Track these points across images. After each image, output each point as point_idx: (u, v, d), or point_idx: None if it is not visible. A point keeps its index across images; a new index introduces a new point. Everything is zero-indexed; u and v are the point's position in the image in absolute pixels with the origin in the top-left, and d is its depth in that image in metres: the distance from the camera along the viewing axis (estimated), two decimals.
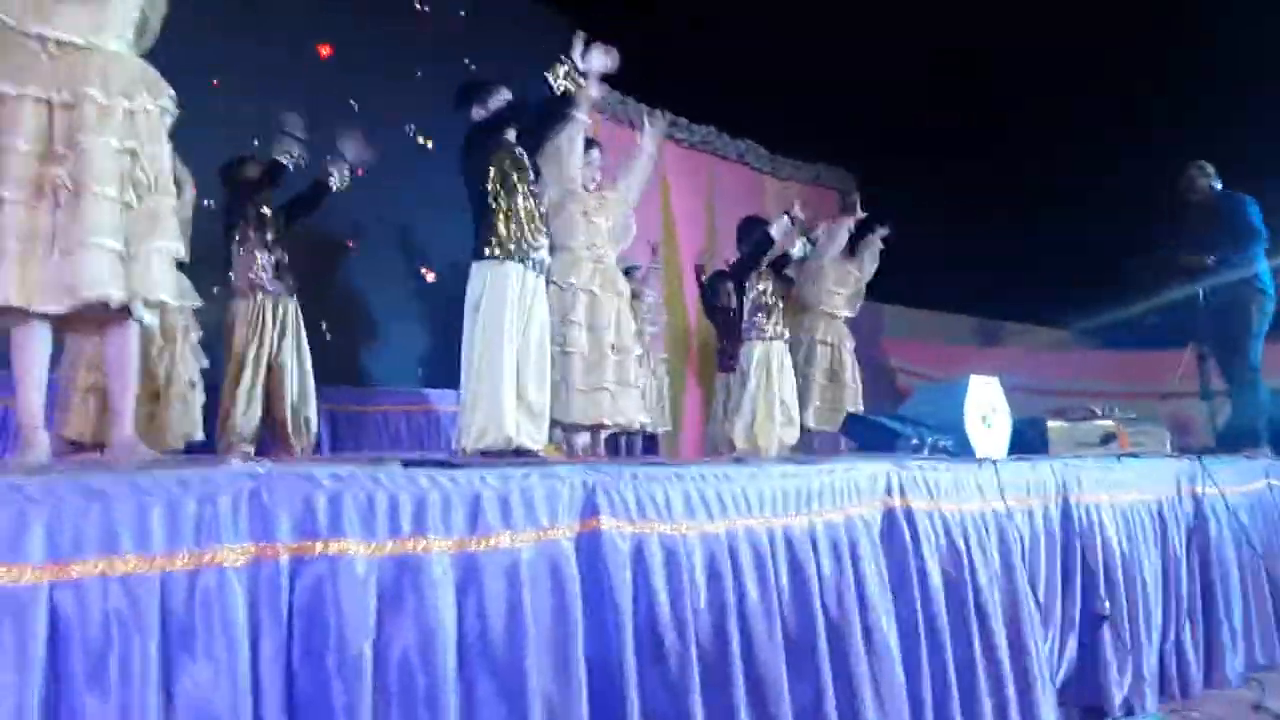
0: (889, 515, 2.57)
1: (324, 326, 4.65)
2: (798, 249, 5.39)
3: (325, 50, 5.62)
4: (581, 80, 3.57)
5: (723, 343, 5.43)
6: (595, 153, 4.36)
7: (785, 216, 5.15)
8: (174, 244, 2.23)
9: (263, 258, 4.24)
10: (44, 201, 2.09)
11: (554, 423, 4.03)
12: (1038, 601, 3.08)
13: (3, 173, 2.05)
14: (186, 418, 3.63)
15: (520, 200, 3.53)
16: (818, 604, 2.24)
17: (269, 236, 4.28)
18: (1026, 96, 7.56)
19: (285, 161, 4.22)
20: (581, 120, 4.04)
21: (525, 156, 3.68)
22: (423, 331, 5.68)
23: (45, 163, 2.10)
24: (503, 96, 3.71)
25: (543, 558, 1.76)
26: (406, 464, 1.63)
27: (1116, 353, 9.25)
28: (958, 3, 7.04)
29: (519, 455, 3.42)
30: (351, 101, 5.53)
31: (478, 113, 3.70)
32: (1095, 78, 7.44)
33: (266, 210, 4.31)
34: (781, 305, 5.22)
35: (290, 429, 4.22)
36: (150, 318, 2.26)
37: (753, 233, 5.27)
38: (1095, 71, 7.44)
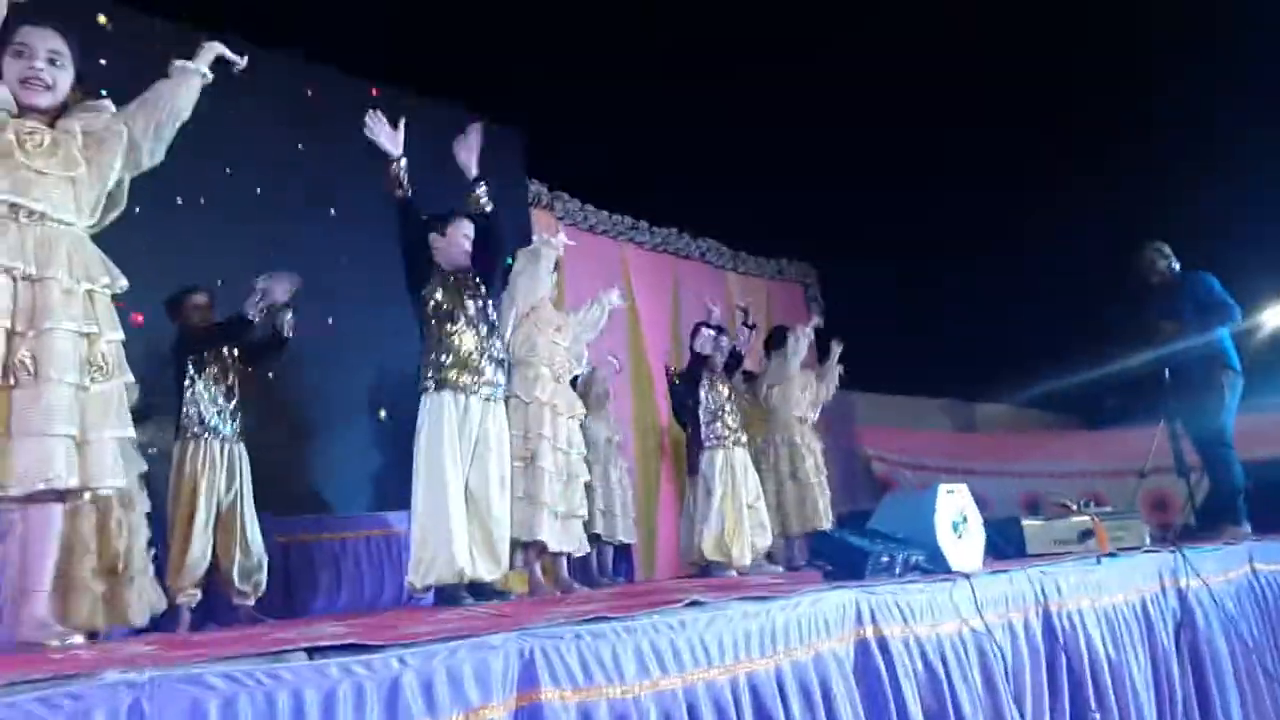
0: (862, 647, 2.42)
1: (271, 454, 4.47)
2: (741, 341, 5.37)
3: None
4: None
5: (690, 446, 5.32)
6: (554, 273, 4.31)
7: (704, 329, 5.12)
8: (127, 430, 2.26)
9: (217, 400, 4.10)
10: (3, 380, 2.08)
11: (519, 544, 3.90)
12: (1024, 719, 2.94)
13: None
14: (151, 591, 3.40)
15: (461, 327, 3.44)
16: None
17: (226, 382, 4.16)
18: (989, 177, 7.66)
19: (252, 317, 4.11)
20: (555, 247, 4.06)
21: (471, 279, 3.60)
22: (378, 455, 5.52)
23: (9, 339, 2.10)
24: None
25: None
26: (311, 652, 1.48)
27: (1092, 433, 9.22)
28: (909, 92, 7.18)
29: (472, 591, 3.27)
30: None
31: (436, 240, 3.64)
32: (1058, 158, 7.54)
33: (225, 355, 4.19)
34: (739, 411, 5.13)
35: (237, 581, 4.03)
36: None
37: (694, 341, 5.25)
38: (1057, 153, 7.55)
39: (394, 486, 5.42)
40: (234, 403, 4.17)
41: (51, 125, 2.32)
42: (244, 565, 4.06)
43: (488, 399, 3.45)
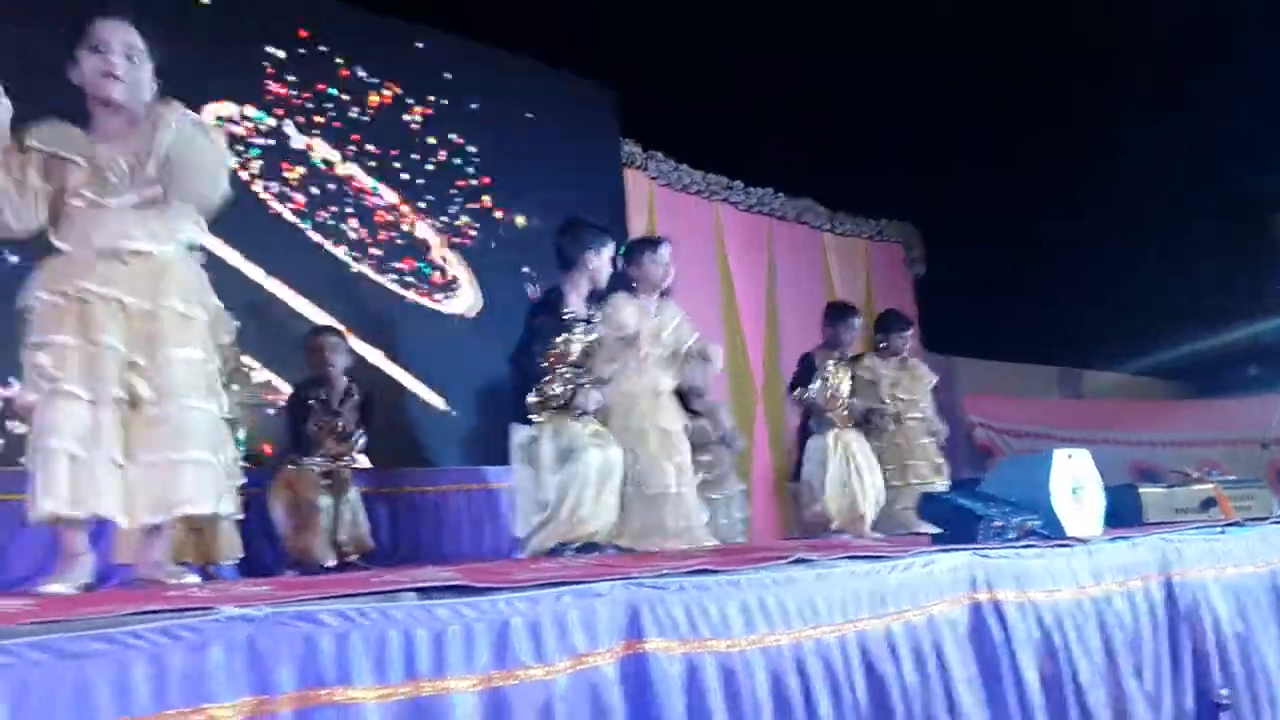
0: (976, 611, 2.32)
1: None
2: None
3: None
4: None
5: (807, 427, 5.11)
6: (664, 250, 4.14)
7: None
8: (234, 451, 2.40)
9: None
10: (118, 407, 2.12)
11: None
12: (1145, 693, 2.80)
13: (85, 374, 2.10)
14: (233, 537, 3.54)
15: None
16: (901, 716, 2.01)
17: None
18: (1103, 132, 7.26)
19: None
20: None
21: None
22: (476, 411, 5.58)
23: (124, 369, 2.14)
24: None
25: (581, 688, 1.58)
26: (422, 592, 1.47)
27: (1208, 401, 8.77)
28: (1017, 48, 6.83)
29: (584, 551, 3.30)
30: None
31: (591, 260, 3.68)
32: (1188, 108, 7.07)
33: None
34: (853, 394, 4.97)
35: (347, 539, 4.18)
36: None
37: (838, 320, 5.05)
38: (1185, 103, 7.08)
39: (494, 441, 5.53)
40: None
41: (130, 132, 2.31)
42: (355, 523, 4.22)
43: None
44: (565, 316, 3.52)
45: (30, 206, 2.20)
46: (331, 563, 4.06)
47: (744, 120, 6.86)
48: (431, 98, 5.81)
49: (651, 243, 4.20)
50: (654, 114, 6.84)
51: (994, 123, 7.28)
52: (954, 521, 2.76)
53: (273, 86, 5.19)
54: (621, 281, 4.01)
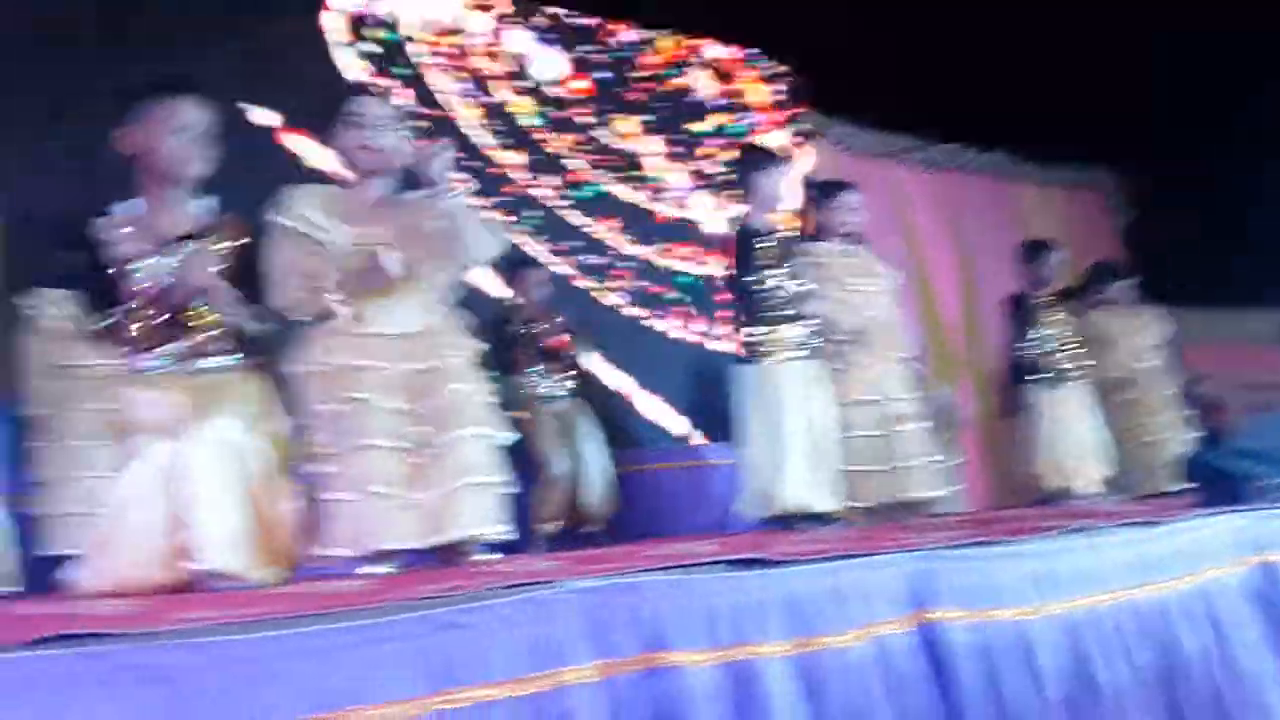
0: (1267, 573, 2.22)
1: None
2: None
3: None
4: None
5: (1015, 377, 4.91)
6: (848, 196, 4.05)
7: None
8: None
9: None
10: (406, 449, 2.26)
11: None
12: None
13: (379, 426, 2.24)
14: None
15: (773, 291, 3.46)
16: (1194, 682, 1.96)
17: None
18: None
19: None
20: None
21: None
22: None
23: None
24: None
25: (877, 656, 1.63)
26: (729, 564, 1.56)
27: None
28: None
29: (815, 519, 3.31)
30: None
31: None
32: None
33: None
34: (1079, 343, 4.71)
35: (593, 511, 4.43)
36: None
37: (1035, 256, 4.83)
38: None
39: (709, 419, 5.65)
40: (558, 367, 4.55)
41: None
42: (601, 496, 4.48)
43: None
44: (756, 242, 3.49)
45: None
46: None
47: (926, 77, 6.65)
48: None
49: (829, 187, 4.13)
50: (831, 79, 6.74)
51: (1198, 62, 6.76)
52: (1217, 483, 2.64)
53: None
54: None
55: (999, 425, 5.36)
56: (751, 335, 3.42)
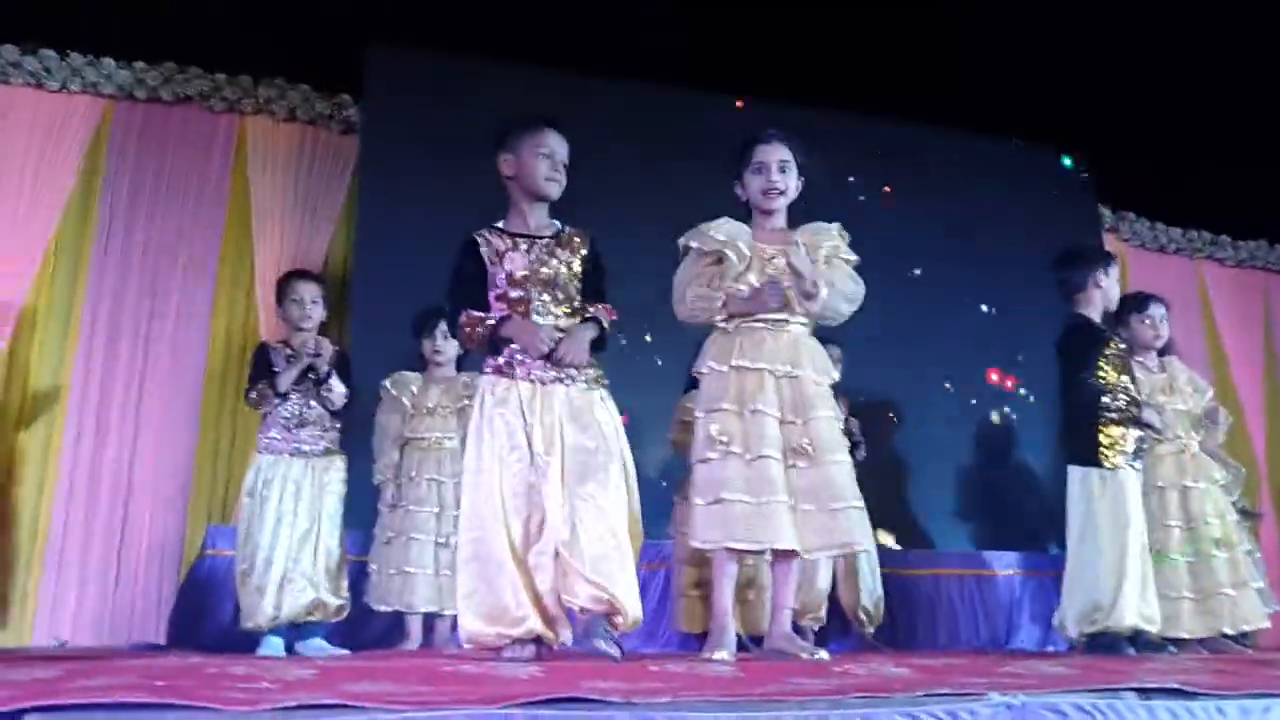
0: None
1: None
2: None
3: None
4: None
5: None
6: (1159, 308, 4.00)
7: None
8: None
9: None
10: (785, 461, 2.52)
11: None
12: None
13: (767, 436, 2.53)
14: None
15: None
16: None
17: None
18: None
19: None
20: None
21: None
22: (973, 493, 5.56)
23: (783, 427, 2.57)
24: None
25: None
26: (1142, 692, 1.55)
27: None
28: None
29: (1133, 642, 3.16)
30: None
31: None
32: None
33: None
34: None
35: (865, 614, 4.34)
36: None
37: None
38: None
39: (989, 526, 5.48)
40: None
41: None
42: (869, 594, 4.36)
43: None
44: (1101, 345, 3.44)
45: None
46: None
47: (1227, 172, 6.27)
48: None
49: (1139, 300, 4.05)
50: (1123, 174, 6.51)
51: None
52: None
53: None
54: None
55: None
56: (1107, 437, 3.34)
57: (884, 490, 4.92)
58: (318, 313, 3.83)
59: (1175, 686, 1.58)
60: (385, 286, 4.77)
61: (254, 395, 3.68)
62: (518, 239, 2.61)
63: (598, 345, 2.56)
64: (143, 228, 4.88)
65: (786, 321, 2.64)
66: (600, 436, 2.42)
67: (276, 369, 3.66)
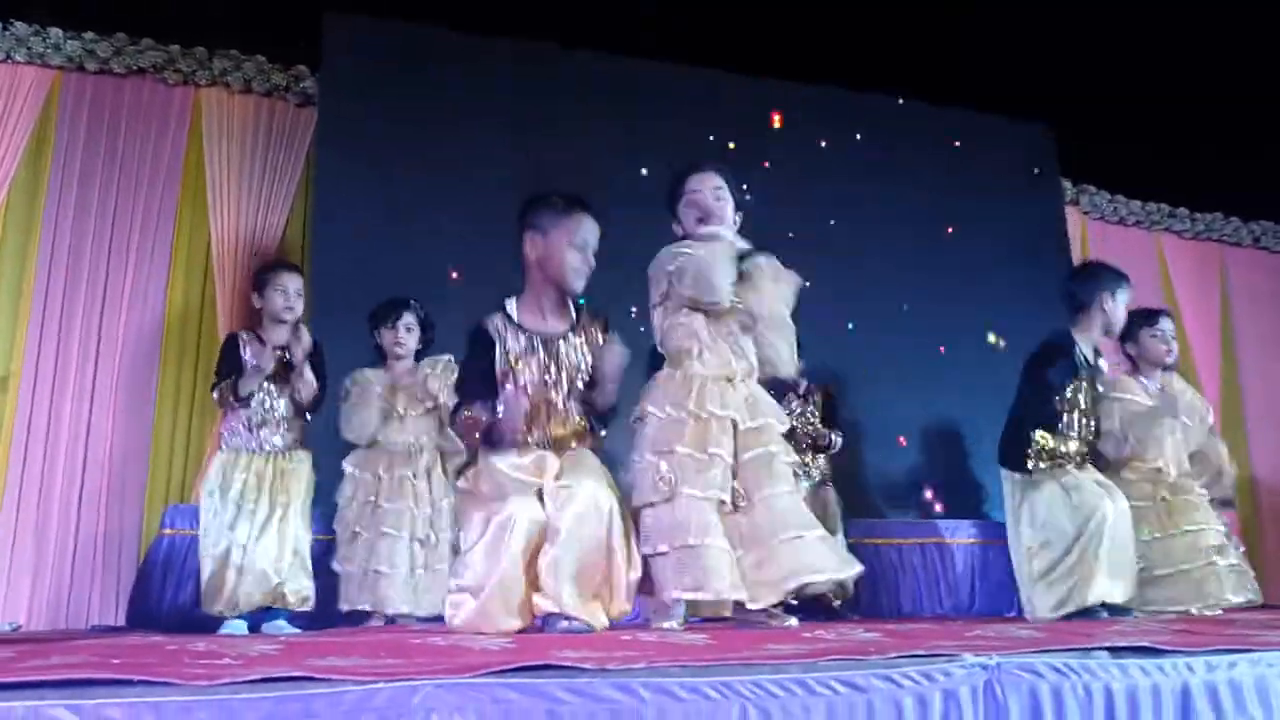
0: None
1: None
2: None
3: None
4: None
5: None
6: (1168, 323, 4.02)
7: None
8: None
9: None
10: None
11: None
12: None
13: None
14: None
15: None
16: None
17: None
18: None
19: None
20: None
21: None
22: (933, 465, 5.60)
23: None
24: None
25: None
26: (1114, 651, 1.56)
27: None
28: None
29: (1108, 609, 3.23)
30: None
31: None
32: None
33: None
34: None
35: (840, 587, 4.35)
36: None
37: None
38: None
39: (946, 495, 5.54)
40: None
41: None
42: None
43: None
44: (1077, 364, 3.48)
45: None
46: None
47: (1187, 144, 6.34)
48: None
49: (1148, 315, 3.99)
50: (1084, 147, 6.55)
51: None
52: None
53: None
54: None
55: None
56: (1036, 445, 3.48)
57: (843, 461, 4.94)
58: (300, 306, 3.72)
59: (1146, 645, 1.59)
60: (343, 262, 4.69)
61: (216, 395, 3.62)
62: (534, 339, 2.51)
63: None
64: (96, 203, 4.75)
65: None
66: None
67: (249, 361, 3.57)
